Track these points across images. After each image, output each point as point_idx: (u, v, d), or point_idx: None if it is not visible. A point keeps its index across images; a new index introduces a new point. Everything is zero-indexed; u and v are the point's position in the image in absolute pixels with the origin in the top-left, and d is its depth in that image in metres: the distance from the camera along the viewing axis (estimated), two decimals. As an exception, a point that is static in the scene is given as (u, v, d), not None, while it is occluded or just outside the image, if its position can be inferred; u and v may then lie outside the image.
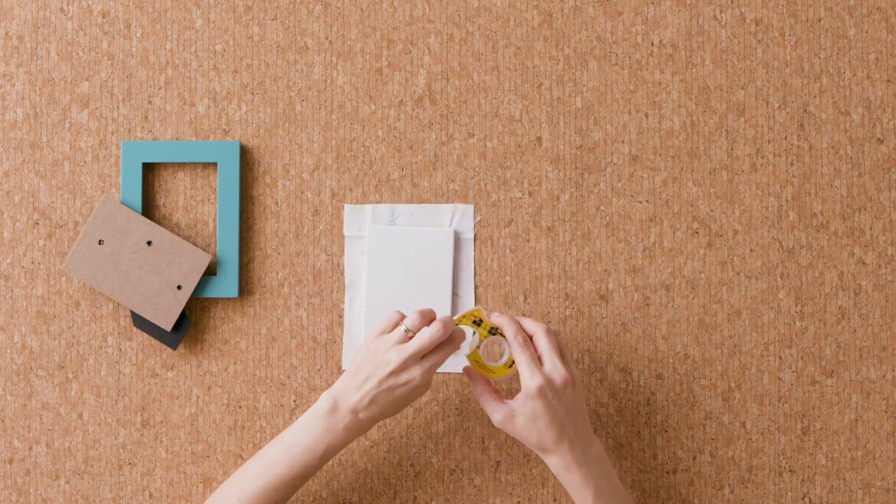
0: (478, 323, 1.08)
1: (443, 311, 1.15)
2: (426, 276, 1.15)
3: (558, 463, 1.04)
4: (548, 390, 1.03)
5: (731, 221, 1.17)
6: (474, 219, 1.16)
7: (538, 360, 1.05)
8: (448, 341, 1.05)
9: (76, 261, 1.13)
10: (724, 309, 1.17)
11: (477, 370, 1.08)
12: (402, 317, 1.06)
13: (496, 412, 1.05)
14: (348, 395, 1.04)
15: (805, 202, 1.18)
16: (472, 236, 1.16)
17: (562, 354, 1.05)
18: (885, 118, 1.18)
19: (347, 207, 1.16)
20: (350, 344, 1.15)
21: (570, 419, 1.03)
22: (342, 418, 1.03)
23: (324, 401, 1.04)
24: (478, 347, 1.09)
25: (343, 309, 1.16)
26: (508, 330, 1.06)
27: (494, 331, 1.08)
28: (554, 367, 1.04)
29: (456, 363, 1.15)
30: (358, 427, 1.04)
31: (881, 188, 1.18)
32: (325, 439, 1.04)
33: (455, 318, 1.08)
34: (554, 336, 1.06)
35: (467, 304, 1.16)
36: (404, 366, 1.02)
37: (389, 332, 1.05)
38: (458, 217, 1.16)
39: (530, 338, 1.06)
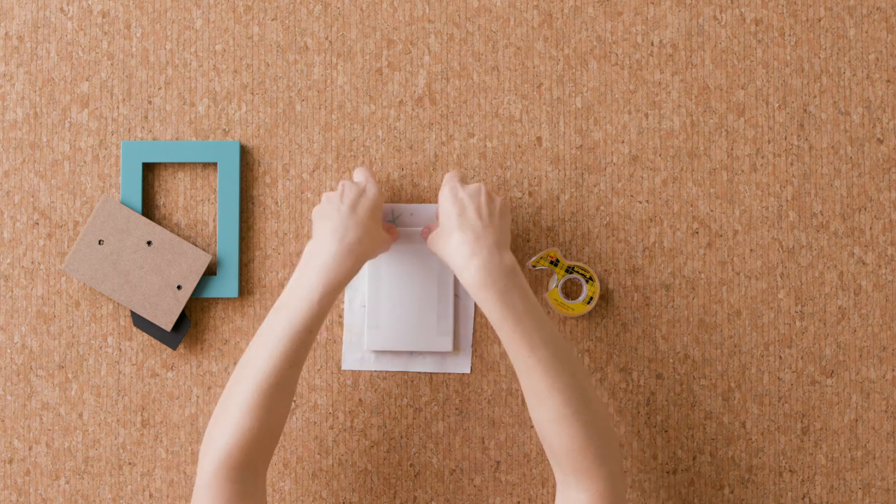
0: (555, 263, 1.14)
1: (446, 315, 1.15)
2: (427, 277, 1.15)
3: (471, 274, 1.02)
4: (460, 191, 1.06)
5: (731, 221, 1.17)
6: None
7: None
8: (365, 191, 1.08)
9: (76, 261, 1.13)
10: (724, 309, 1.17)
11: (556, 308, 1.14)
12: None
13: (430, 234, 1.09)
14: (325, 231, 1.04)
15: (805, 202, 1.18)
16: None
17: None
18: (885, 118, 1.18)
19: None
20: (350, 344, 1.15)
21: (480, 222, 1.04)
22: (328, 251, 1.03)
23: (306, 249, 1.05)
24: (556, 287, 1.14)
25: (343, 309, 1.16)
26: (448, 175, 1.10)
27: (571, 269, 1.14)
28: (473, 184, 1.09)
29: (456, 364, 1.15)
30: (346, 254, 1.03)
31: (881, 188, 1.18)
32: (319, 282, 1.02)
33: (532, 259, 1.14)
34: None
35: (468, 304, 1.16)
36: (360, 188, 1.07)
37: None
38: None
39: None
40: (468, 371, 1.16)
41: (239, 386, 1.00)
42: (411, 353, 1.16)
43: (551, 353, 1.00)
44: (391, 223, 1.16)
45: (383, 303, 1.15)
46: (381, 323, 1.14)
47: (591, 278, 1.15)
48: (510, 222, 1.09)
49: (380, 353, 1.16)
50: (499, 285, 1.01)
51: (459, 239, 1.03)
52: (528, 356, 1.00)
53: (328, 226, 1.04)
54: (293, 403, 1.16)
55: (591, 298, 1.14)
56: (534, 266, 1.14)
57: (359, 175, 1.10)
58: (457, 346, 1.16)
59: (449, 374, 1.16)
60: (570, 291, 1.17)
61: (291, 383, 1.01)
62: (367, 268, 1.15)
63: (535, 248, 1.17)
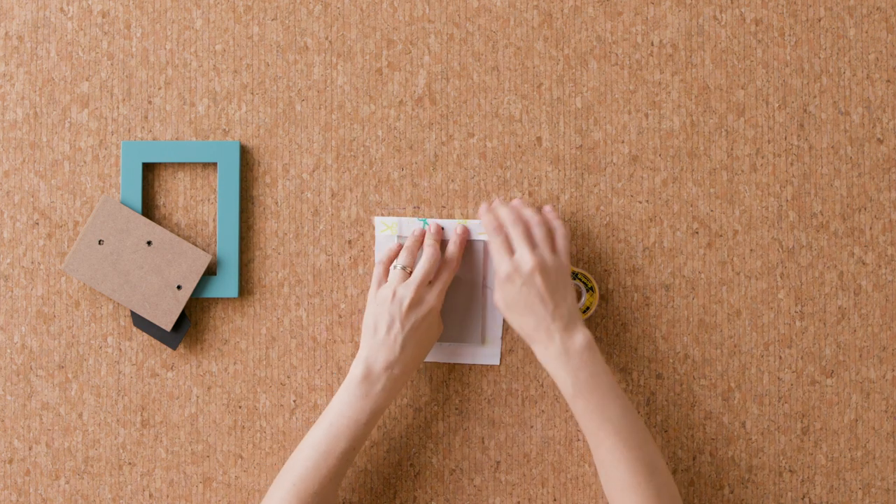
0: None
1: (476, 308, 1.15)
2: (463, 283, 1.15)
3: (540, 352, 1.05)
4: (517, 277, 1.05)
5: (731, 221, 1.17)
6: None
7: (509, 247, 1.07)
8: (445, 263, 1.09)
9: (76, 261, 1.13)
10: (724, 309, 1.17)
11: None
12: (389, 263, 1.10)
13: (496, 295, 1.08)
14: (377, 353, 1.05)
15: (805, 202, 1.18)
16: None
17: (533, 242, 1.07)
18: (885, 118, 1.18)
19: (380, 221, 1.16)
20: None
21: (544, 307, 1.04)
22: (377, 379, 1.05)
23: (356, 369, 1.05)
24: None
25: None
26: (485, 218, 1.09)
27: (575, 275, 1.13)
28: (522, 254, 1.05)
29: (485, 356, 1.15)
30: (395, 384, 1.05)
31: (881, 188, 1.18)
32: (367, 406, 1.04)
33: None
34: (524, 224, 1.08)
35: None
36: (418, 296, 1.05)
37: (384, 281, 1.08)
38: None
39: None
40: (497, 363, 1.16)
41: (278, 490, 1.04)
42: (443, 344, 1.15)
43: (620, 427, 1.03)
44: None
45: None
46: None
47: (591, 288, 1.14)
48: (573, 286, 1.08)
49: None
50: (571, 365, 1.03)
51: (526, 323, 1.05)
52: (598, 430, 1.03)
53: (379, 350, 1.05)
54: (293, 403, 1.16)
55: (588, 308, 1.14)
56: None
57: (425, 256, 1.09)
58: (484, 337, 1.15)
59: (450, 374, 1.16)
60: None
61: (332, 497, 1.05)
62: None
63: (535, 248, 1.17)
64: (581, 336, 1.05)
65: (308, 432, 1.07)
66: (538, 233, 1.08)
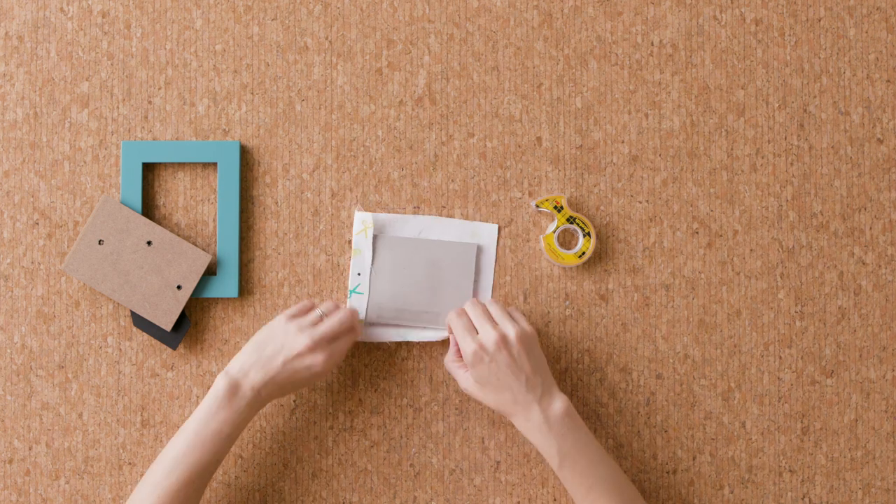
0: (558, 209, 1.14)
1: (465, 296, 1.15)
2: (447, 278, 1.15)
3: (521, 424, 1.06)
4: (484, 354, 1.05)
5: (731, 221, 1.17)
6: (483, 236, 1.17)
7: (473, 329, 1.07)
8: (352, 331, 1.09)
9: (76, 261, 1.13)
10: (724, 309, 1.17)
11: (548, 253, 1.14)
12: (314, 305, 1.11)
13: (461, 378, 1.09)
14: (249, 372, 1.05)
15: (805, 202, 1.18)
16: (495, 248, 1.17)
17: (491, 319, 1.07)
18: (885, 118, 1.18)
19: (361, 216, 1.16)
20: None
21: (516, 378, 1.04)
22: (244, 396, 1.05)
23: (221, 382, 1.05)
24: (553, 232, 1.14)
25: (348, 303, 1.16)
26: (450, 314, 1.10)
27: (573, 219, 1.14)
28: (484, 331, 1.06)
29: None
30: (259, 403, 1.06)
31: (881, 188, 1.18)
32: (231, 419, 1.04)
33: (538, 200, 1.15)
34: (481, 305, 1.09)
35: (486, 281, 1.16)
36: (312, 349, 1.05)
37: (302, 315, 1.09)
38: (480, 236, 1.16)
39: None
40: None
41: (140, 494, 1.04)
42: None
43: (611, 487, 1.04)
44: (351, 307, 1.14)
45: (387, 281, 1.15)
46: (385, 295, 1.15)
47: (588, 233, 1.15)
48: (541, 353, 1.08)
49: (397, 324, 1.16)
50: (554, 434, 1.04)
51: (503, 399, 1.05)
52: (588, 492, 1.04)
53: (255, 360, 1.06)
54: (293, 403, 1.16)
55: (584, 253, 1.15)
56: (537, 206, 1.15)
57: (328, 326, 1.08)
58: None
59: (450, 374, 1.16)
60: (567, 241, 1.17)
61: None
62: (390, 272, 1.15)
63: (534, 248, 1.17)
64: (559, 402, 1.05)
65: (167, 444, 1.06)
66: (495, 310, 1.09)
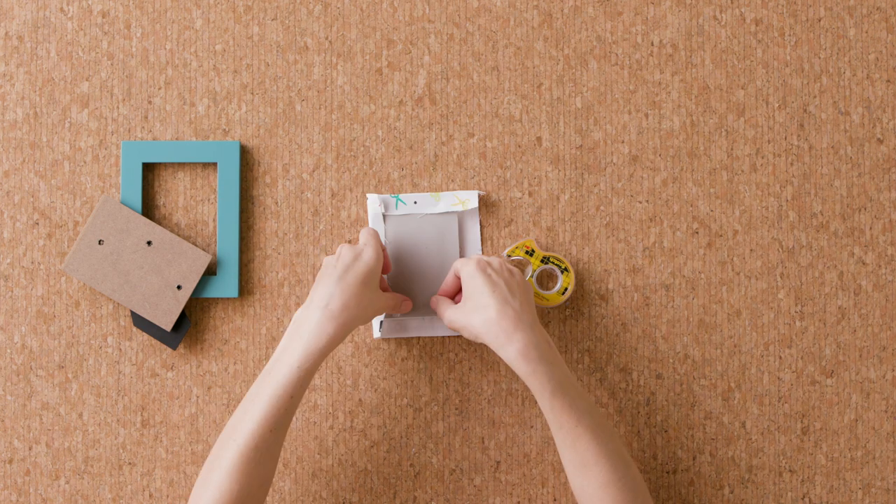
0: (530, 253, 1.15)
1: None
2: (437, 255, 1.16)
3: (507, 353, 1.03)
4: (487, 266, 1.07)
5: (731, 221, 1.17)
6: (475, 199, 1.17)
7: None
8: (375, 237, 1.09)
9: (76, 261, 1.13)
10: (724, 309, 1.17)
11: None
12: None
13: (447, 310, 1.09)
14: (310, 299, 1.04)
15: (805, 202, 1.18)
16: (477, 213, 1.17)
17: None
18: (885, 118, 1.18)
19: (372, 197, 1.16)
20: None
21: (511, 298, 1.05)
22: (313, 314, 1.02)
23: (296, 314, 1.05)
24: (532, 277, 1.15)
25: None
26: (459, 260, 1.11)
27: (547, 260, 1.14)
28: (490, 258, 1.09)
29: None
30: (331, 321, 1.02)
31: (881, 188, 1.18)
32: (337, 334, 1.02)
33: (508, 249, 1.15)
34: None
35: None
36: (349, 251, 1.06)
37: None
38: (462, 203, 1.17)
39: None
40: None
41: (223, 449, 1.00)
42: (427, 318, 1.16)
43: (595, 422, 1.03)
44: (392, 290, 1.15)
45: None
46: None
47: (566, 269, 1.15)
48: (534, 304, 1.09)
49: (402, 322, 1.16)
50: (544, 359, 1.02)
51: (499, 315, 1.04)
52: (576, 425, 1.02)
53: (317, 292, 1.04)
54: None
55: (567, 289, 1.15)
56: (509, 256, 1.15)
57: (362, 237, 1.09)
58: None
59: (450, 374, 1.16)
60: (546, 283, 1.17)
61: (274, 448, 1.01)
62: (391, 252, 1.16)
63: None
64: (543, 330, 1.05)
65: (249, 389, 1.04)
66: (494, 261, 1.10)
